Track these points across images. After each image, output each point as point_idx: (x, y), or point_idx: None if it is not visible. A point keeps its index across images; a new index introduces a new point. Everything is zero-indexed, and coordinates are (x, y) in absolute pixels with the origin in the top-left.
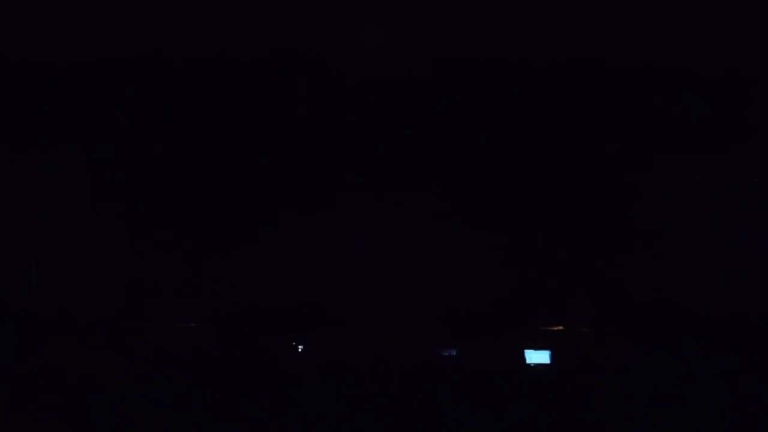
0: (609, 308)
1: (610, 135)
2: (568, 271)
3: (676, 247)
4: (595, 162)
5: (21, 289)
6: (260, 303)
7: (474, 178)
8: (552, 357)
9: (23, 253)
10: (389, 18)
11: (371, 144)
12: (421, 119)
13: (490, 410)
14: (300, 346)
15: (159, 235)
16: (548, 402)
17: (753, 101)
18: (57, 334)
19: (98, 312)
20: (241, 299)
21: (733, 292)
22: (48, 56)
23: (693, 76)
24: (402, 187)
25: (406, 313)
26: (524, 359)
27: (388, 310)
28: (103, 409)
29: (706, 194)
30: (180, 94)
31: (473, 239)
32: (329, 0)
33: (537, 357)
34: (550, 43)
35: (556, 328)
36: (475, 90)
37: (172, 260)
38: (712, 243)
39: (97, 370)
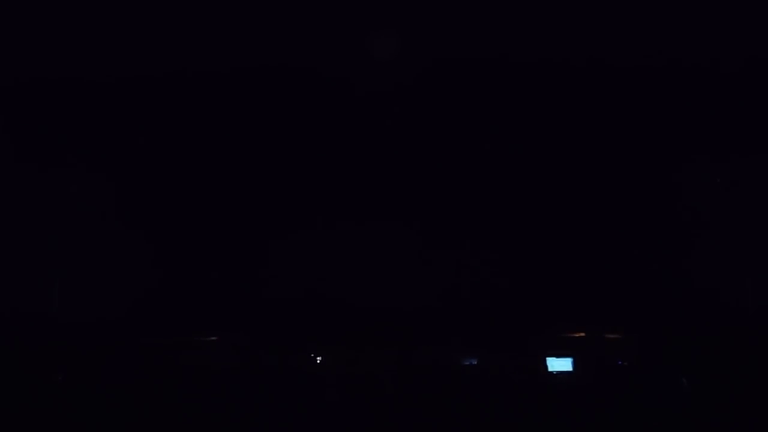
0: (632, 313)
1: (629, 141)
2: (589, 278)
3: (700, 251)
4: (617, 169)
5: (45, 303)
6: (281, 316)
7: (497, 188)
8: (574, 364)
9: (47, 267)
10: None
11: (395, 156)
12: (441, 131)
13: (512, 420)
14: (319, 358)
15: (181, 250)
16: (570, 411)
17: None
18: (81, 347)
19: (121, 325)
20: (261, 312)
21: (759, 296)
22: (69, 78)
23: (713, 78)
24: (421, 198)
25: (428, 322)
26: (546, 367)
27: (409, 320)
28: (125, 419)
29: (728, 196)
30: (196, 111)
31: (494, 248)
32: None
33: (559, 364)
34: (570, 47)
35: (578, 335)
36: (494, 92)
37: (194, 275)
38: (737, 246)
39: (119, 382)
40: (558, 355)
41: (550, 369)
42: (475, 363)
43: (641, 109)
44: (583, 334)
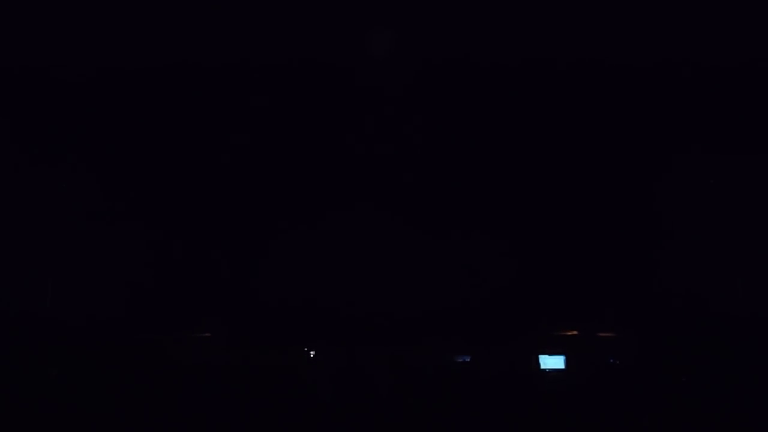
0: (625, 312)
1: (624, 137)
2: (582, 276)
3: (691, 249)
4: (609, 166)
5: (38, 299)
6: (273, 311)
7: (489, 185)
8: (567, 362)
9: (40, 264)
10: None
11: (387, 153)
12: (431, 123)
13: (505, 417)
14: (312, 352)
15: (174, 247)
16: (563, 408)
17: None
18: (73, 344)
19: (114, 322)
20: (253, 308)
21: (749, 294)
22: (60, 73)
23: (709, 77)
24: (416, 195)
25: (420, 319)
26: (539, 364)
27: (402, 317)
28: (119, 415)
29: (721, 196)
30: (191, 104)
31: (487, 245)
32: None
33: (552, 362)
34: (563, 44)
35: (570, 333)
36: (490, 91)
37: (187, 271)
38: (727, 245)
39: (112, 379)
40: (550, 353)
41: (542, 367)
42: (468, 360)
43: (637, 108)
44: (575, 333)
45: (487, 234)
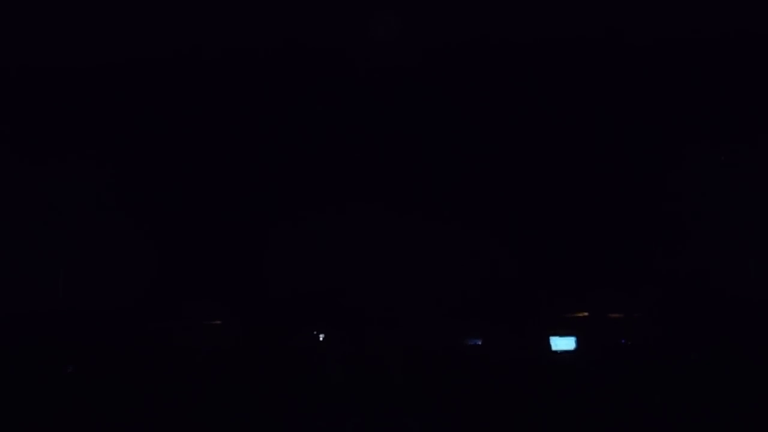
0: (635, 293)
1: (630, 118)
2: (592, 258)
3: (703, 230)
4: (622, 149)
5: (50, 291)
6: (283, 298)
7: (499, 170)
8: (578, 343)
9: (52, 256)
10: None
11: (392, 141)
12: (436, 117)
13: (516, 398)
14: (321, 335)
15: (183, 236)
16: (574, 389)
17: None
18: (87, 334)
19: (126, 311)
20: (264, 295)
21: (761, 274)
22: (67, 67)
23: (718, 57)
24: (424, 180)
25: (431, 303)
26: (550, 346)
27: (414, 301)
28: (133, 405)
29: (733, 178)
30: (195, 98)
31: (496, 228)
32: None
33: (562, 344)
34: (575, 24)
35: (581, 315)
36: (491, 79)
37: (197, 260)
38: (739, 226)
39: (126, 368)
40: (561, 335)
41: (553, 348)
42: (480, 343)
43: (652, 90)
44: (586, 314)
45: (498, 217)
